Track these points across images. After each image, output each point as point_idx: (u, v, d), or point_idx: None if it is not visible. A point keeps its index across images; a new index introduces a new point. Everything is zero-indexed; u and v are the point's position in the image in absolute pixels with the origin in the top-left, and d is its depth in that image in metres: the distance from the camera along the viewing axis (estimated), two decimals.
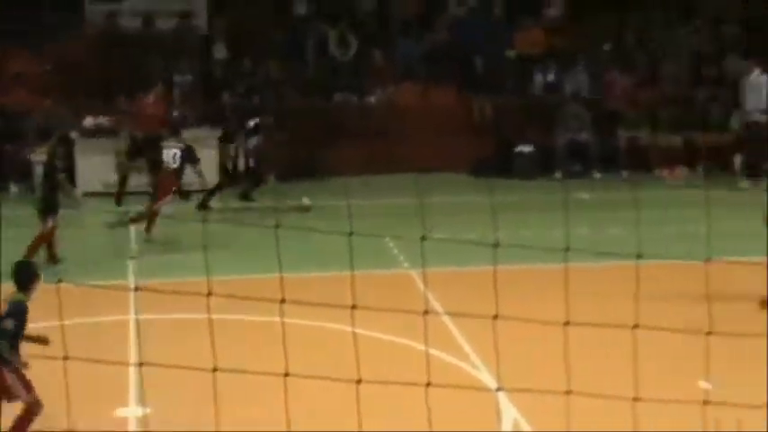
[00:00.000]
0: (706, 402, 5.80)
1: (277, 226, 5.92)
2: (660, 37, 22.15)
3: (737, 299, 11.01)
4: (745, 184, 18.79)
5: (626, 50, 22.10)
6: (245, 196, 18.02)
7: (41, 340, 7.72)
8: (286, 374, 5.46)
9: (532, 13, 22.46)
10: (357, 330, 6.79)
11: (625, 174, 19.91)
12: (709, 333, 5.42)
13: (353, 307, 5.58)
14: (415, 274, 12.53)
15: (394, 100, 21.22)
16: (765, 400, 5.81)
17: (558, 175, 19.97)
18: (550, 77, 21.49)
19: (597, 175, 20.08)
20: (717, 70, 21.51)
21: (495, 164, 20.20)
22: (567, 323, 5.46)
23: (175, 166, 15.37)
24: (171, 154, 15.47)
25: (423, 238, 6.01)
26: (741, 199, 16.83)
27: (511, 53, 21.91)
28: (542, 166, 20.21)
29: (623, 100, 20.96)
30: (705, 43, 22.07)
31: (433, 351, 8.30)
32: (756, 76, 19.32)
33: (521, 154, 20.39)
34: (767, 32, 21.61)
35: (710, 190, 16.11)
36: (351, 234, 5.81)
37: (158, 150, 15.76)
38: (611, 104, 20.92)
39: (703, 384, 8.19)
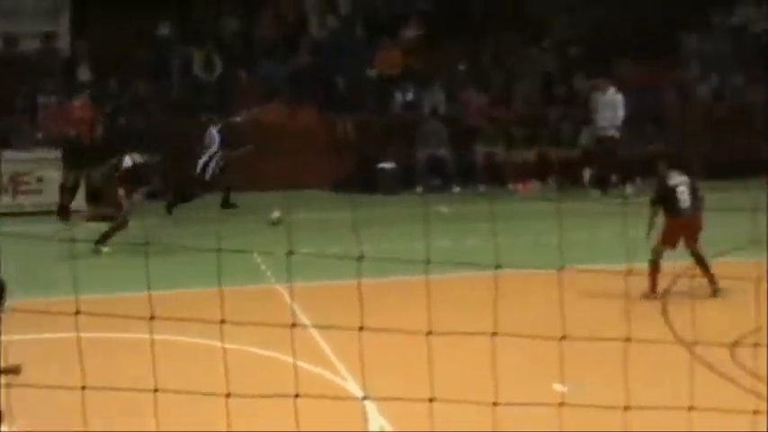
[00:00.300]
0: (561, 404, 5.93)
1: (147, 243, 5.85)
2: (512, 58, 22.62)
3: (589, 304, 11.29)
4: (628, 190, 19.35)
5: (481, 70, 22.49)
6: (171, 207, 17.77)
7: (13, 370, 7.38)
8: (155, 390, 5.39)
9: (391, 34, 22.66)
10: (226, 345, 6.73)
11: (482, 188, 20.25)
12: (562, 338, 5.54)
13: (222, 322, 5.54)
14: (282, 289, 12.48)
15: (259, 120, 21.15)
16: (617, 402, 5.96)
17: (418, 189, 20.17)
18: (410, 96, 21.70)
19: (456, 189, 20.35)
20: (566, 89, 22.06)
21: (359, 180, 20.30)
22: (429, 332, 5.51)
23: (128, 167, 15.32)
24: (129, 160, 15.49)
25: (289, 253, 6.00)
26: (591, 209, 17.29)
27: (371, 73, 22.07)
28: (404, 181, 20.40)
29: (479, 117, 21.31)
30: (554, 64, 22.62)
31: (300, 363, 8.28)
32: (612, 94, 19.85)
33: (383, 170, 20.53)
34: (609, 53, 22.31)
35: (562, 202, 16.51)
36: (219, 250, 5.76)
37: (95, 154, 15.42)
38: (468, 122, 21.24)
39: (558, 387, 8.37)
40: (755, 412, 6.48)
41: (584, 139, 20.75)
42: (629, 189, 19.45)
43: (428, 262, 5.74)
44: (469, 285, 11.61)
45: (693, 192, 12.39)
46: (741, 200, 17.05)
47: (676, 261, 12.76)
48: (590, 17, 23.60)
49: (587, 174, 20.37)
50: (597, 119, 19.89)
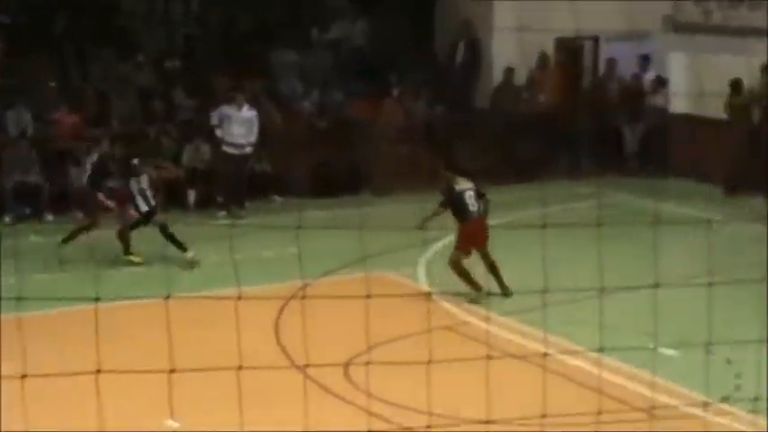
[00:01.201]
0: None
1: None
2: (106, 74, 22.23)
3: (200, 333, 11.31)
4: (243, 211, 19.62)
5: (72, 88, 21.91)
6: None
7: None
8: None
9: None
10: None
11: (80, 215, 19.68)
12: (172, 371, 5.51)
13: None
14: None
15: None
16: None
17: (7, 219, 19.34)
18: None
19: (50, 218, 19.71)
20: (165, 106, 21.95)
21: None
22: (24, 376, 5.32)
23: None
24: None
25: None
26: (199, 233, 17.28)
27: None
28: None
29: (73, 138, 20.73)
30: (150, 79, 22.46)
31: None
32: (247, 110, 19.98)
33: None
34: (206, 68, 22.57)
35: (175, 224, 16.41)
36: None
37: None
38: (61, 144, 20.63)
39: (171, 423, 8.33)
40: None
41: (186, 158, 20.71)
42: (243, 211, 19.76)
43: (19, 299, 5.53)
44: (69, 321, 11.26)
45: (479, 197, 13.60)
46: (347, 218, 17.85)
47: (285, 282, 13.10)
48: (184, 32, 23.70)
49: (192, 195, 20.36)
50: (225, 135, 19.82)
